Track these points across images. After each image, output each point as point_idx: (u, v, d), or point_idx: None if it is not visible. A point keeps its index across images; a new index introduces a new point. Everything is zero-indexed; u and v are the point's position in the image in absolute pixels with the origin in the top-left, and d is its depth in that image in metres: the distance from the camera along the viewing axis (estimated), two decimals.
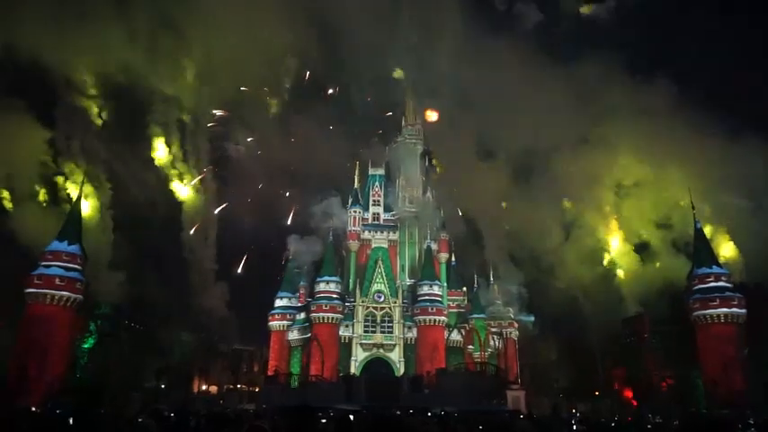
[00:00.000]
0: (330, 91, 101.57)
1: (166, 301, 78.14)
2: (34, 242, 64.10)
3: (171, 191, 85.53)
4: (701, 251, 69.19)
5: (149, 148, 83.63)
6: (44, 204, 73.76)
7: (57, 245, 62.00)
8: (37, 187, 73.52)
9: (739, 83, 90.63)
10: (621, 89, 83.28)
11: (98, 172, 75.27)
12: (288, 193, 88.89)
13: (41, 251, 62.20)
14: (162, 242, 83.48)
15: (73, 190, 73.12)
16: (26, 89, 71.11)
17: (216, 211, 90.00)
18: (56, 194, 74.95)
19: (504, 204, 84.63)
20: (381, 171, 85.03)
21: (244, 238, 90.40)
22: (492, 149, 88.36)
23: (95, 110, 78.98)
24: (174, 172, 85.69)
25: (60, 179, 75.20)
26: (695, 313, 65.88)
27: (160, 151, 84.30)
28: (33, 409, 40.87)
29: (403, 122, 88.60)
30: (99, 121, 79.13)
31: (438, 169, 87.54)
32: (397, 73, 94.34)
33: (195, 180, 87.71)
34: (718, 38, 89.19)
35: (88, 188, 72.50)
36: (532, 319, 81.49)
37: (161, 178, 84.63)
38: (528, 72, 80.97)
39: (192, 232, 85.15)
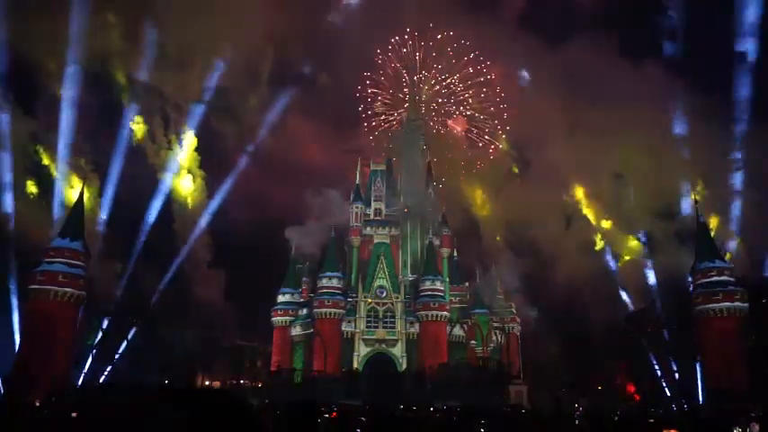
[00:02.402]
0: (309, 71, 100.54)
1: (165, 295, 78.10)
2: (24, 234, 64.07)
3: (159, 181, 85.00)
4: (704, 245, 69.02)
5: (133, 137, 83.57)
6: (32, 196, 73.74)
7: (59, 241, 62.06)
8: (26, 180, 73.50)
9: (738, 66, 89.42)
10: (613, 73, 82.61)
11: (83, 163, 75.30)
12: (283, 185, 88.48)
13: (32, 242, 62.25)
14: (154, 234, 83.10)
15: (60, 181, 73.30)
16: (7, 79, 71.15)
17: (206, 202, 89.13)
18: (42, 186, 74.96)
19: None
20: (383, 166, 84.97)
21: (239, 231, 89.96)
22: (487, 135, 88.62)
23: (74, 99, 78.83)
24: (159, 161, 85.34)
25: (47, 171, 75.08)
26: (698, 308, 65.79)
27: (144, 140, 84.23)
28: (37, 404, 41.02)
29: (404, 118, 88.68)
30: (80, 111, 78.88)
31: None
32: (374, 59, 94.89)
33: (183, 170, 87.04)
34: (713, 17, 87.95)
35: (76, 179, 72.56)
36: (536, 312, 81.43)
37: (148, 168, 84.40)
38: (517, 55, 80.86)
39: (183, 223, 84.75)
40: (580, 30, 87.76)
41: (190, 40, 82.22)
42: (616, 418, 29.76)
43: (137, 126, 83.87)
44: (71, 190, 73.28)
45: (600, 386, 78.92)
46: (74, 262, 61.62)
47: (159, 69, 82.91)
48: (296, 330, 75.46)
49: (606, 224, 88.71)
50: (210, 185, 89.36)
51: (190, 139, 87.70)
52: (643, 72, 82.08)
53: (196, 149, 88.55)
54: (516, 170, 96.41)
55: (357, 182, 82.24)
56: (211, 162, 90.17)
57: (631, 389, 74.84)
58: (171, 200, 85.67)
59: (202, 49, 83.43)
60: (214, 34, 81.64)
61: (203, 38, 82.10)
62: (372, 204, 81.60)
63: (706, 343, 64.13)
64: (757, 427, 22.61)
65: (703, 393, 62.97)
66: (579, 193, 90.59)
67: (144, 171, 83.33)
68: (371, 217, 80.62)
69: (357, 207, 79.65)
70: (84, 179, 69.27)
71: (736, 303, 63.99)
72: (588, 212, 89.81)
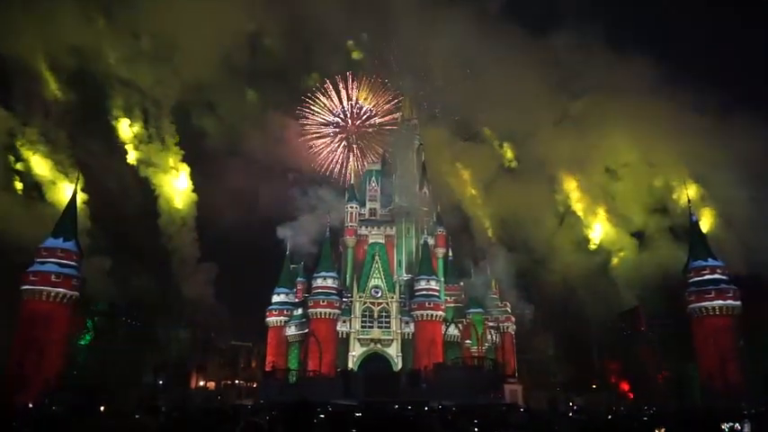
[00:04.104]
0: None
1: (154, 293, 77.50)
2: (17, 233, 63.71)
3: (141, 177, 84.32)
4: (697, 244, 69.34)
5: (114, 133, 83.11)
6: (19, 192, 73.27)
7: (52, 241, 61.53)
8: (10, 176, 73.00)
9: (727, 59, 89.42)
10: (601, 65, 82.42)
11: (64, 158, 74.88)
12: (274, 183, 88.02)
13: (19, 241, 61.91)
14: (139, 230, 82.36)
15: (41, 177, 72.98)
16: None
17: (193, 198, 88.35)
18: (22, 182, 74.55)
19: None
20: (377, 166, 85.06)
21: (231, 230, 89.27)
22: (476, 130, 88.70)
23: (55, 94, 78.29)
24: (141, 155, 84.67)
25: (24, 166, 74.59)
26: (691, 306, 66.15)
27: (126, 135, 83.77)
28: (30, 405, 40.85)
29: (399, 117, 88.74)
30: (59, 107, 78.33)
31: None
32: (356, 54, 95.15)
33: (166, 166, 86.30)
34: (703, 11, 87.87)
35: (58, 176, 72.17)
36: (531, 311, 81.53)
37: (130, 164, 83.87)
38: (500, 46, 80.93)
39: (169, 220, 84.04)
40: (567, 20, 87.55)
41: (169, 35, 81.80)
42: (610, 417, 29.82)
43: (117, 122, 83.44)
44: (54, 187, 72.79)
45: (594, 385, 79.30)
46: (66, 262, 61.19)
47: (139, 64, 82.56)
48: (291, 330, 75.31)
49: (599, 220, 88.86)
50: (197, 182, 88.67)
51: (171, 135, 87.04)
52: (633, 64, 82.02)
53: (177, 144, 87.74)
54: (507, 164, 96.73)
55: (351, 181, 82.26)
56: (196, 158, 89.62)
57: (626, 387, 75.18)
58: (155, 196, 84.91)
59: (183, 44, 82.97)
60: (194, 29, 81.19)
61: (184, 33, 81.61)
62: (367, 204, 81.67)
63: (700, 341, 64.48)
64: (749, 425, 22.67)
65: (697, 391, 63.26)
66: (571, 188, 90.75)
67: (127, 167, 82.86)
68: (366, 217, 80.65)
69: (352, 207, 79.66)
70: (77, 178, 68.78)
71: (729, 301, 64.38)
72: (580, 208, 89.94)
